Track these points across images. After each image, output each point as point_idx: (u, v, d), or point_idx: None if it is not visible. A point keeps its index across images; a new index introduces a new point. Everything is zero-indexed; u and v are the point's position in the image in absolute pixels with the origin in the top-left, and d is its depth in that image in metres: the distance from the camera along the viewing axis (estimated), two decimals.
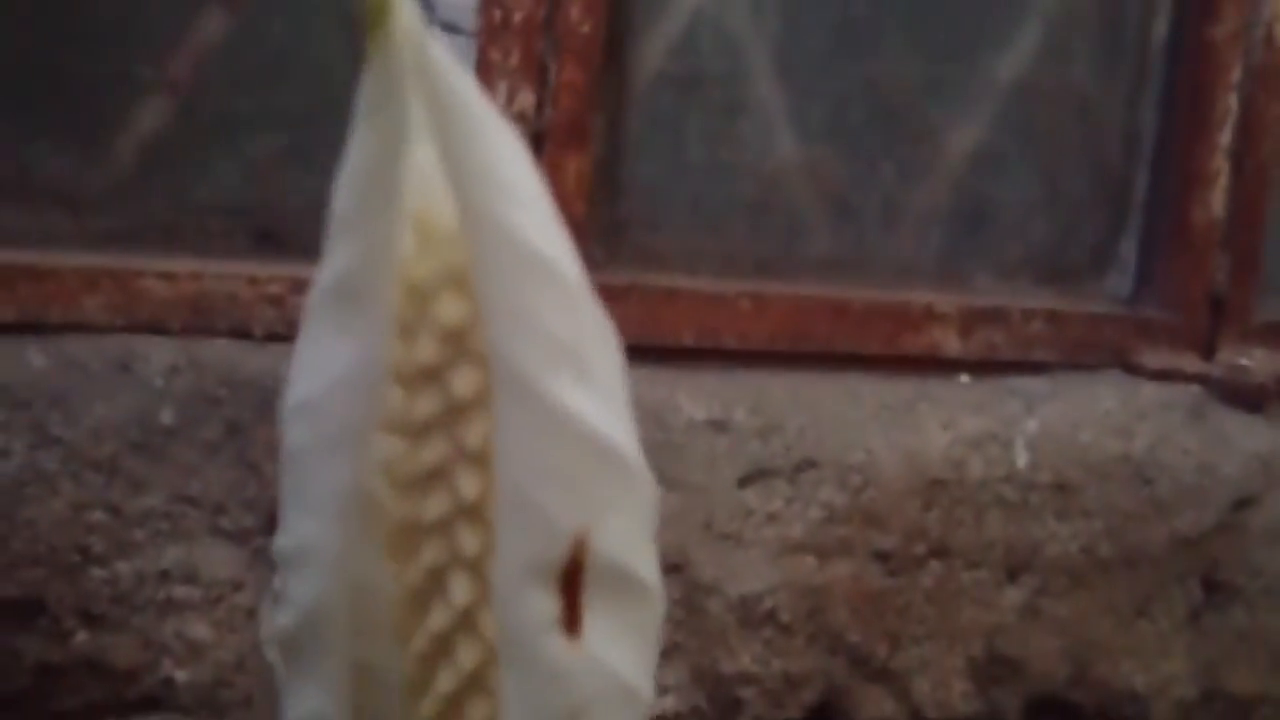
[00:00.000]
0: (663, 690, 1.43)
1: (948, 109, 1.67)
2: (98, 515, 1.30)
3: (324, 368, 0.76)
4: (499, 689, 0.76)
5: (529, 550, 0.74)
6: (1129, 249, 1.75)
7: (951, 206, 1.69)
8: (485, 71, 1.43)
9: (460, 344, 0.77)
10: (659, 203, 1.58)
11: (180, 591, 1.33)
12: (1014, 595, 1.58)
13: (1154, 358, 1.69)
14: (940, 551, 1.54)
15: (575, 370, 0.74)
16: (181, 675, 1.32)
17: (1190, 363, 1.70)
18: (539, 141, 1.46)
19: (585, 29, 1.47)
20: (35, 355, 1.31)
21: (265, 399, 1.32)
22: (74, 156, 1.40)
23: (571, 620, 0.74)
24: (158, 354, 1.34)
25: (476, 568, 0.77)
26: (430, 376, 0.77)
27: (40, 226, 1.39)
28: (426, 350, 0.77)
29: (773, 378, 1.54)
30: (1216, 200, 1.69)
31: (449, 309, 0.77)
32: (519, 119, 1.44)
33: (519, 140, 0.76)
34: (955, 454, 1.54)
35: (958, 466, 1.54)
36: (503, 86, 1.44)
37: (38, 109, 1.39)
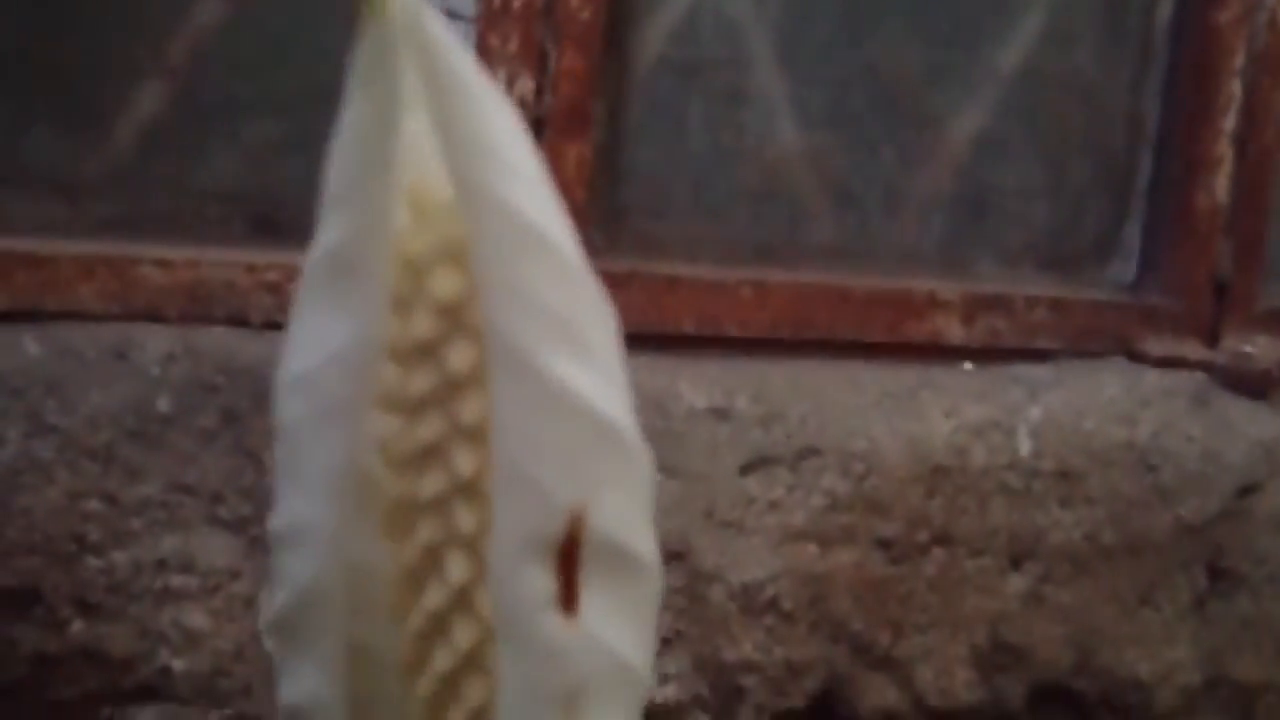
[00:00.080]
0: (664, 679, 1.42)
1: (950, 95, 1.66)
2: (94, 504, 1.30)
3: (318, 342, 0.75)
4: (496, 668, 0.75)
5: (526, 527, 0.73)
6: (1132, 235, 1.75)
7: (954, 193, 1.68)
8: (484, 57, 1.43)
9: (456, 319, 0.76)
10: (660, 190, 1.57)
11: (177, 580, 1.32)
12: (1017, 583, 1.57)
13: (1158, 344, 1.68)
14: (943, 539, 1.53)
15: (572, 345, 0.73)
16: (179, 664, 1.32)
17: (1194, 349, 1.69)
18: (539, 128, 1.45)
19: (585, 15, 1.47)
20: (31, 343, 1.31)
21: (263, 387, 1.31)
22: (70, 143, 1.40)
23: (569, 598, 0.74)
24: (154, 342, 1.33)
25: (473, 546, 0.77)
26: (426, 352, 0.76)
27: (36, 213, 1.39)
28: (422, 325, 0.76)
29: (774, 365, 1.54)
30: (1220, 186, 1.69)
31: (444, 283, 0.76)
32: (518, 105, 1.42)
33: (514, 113, 0.75)
34: (958, 441, 1.53)
35: (961, 454, 1.53)
36: (502, 73, 1.43)
37: (34, 95, 1.39)
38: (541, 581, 0.73)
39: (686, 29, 1.55)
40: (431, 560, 0.77)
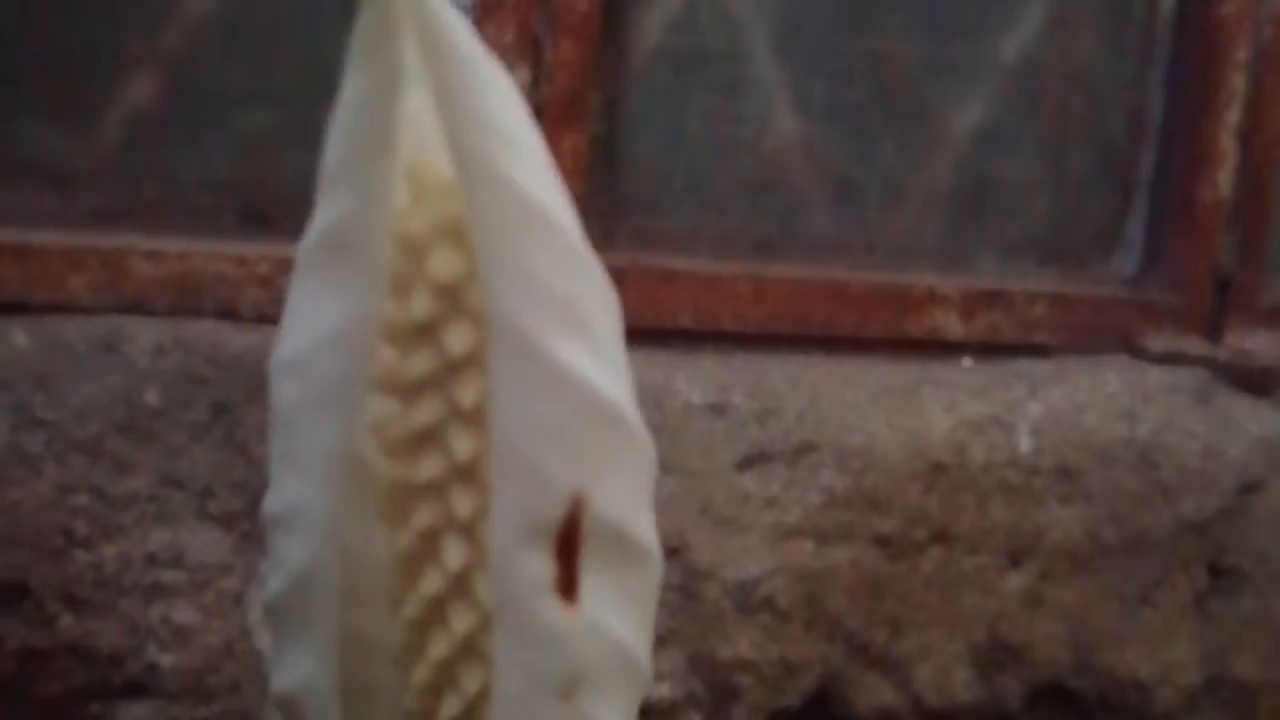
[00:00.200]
0: (659, 677, 1.41)
1: (950, 87, 1.65)
2: (82, 498, 1.29)
3: (313, 323, 0.74)
4: (493, 654, 0.74)
5: (525, 512, 0.72)
6: (1134, 230, 1.74)
7: (954, 186, 1.67)
8: None
9: (454, 300, 0.74)
10: (657, 182, 1.56)
11: (166, 576, 1.31)
12: (1016, 581, 1.56)
13: (1159, 340, 1.67)
14: (941, 536, 1.52)
15: (575, 327, 0.72)
16: (167, 660, 1.31)
17: (1196, 345, 1.69)
18: (535, 118, 1.43)
19: (582, 5, 1.46)
20: (19, 335, 1.30)
21: (253, 380, 1.31)
22: (60, 133, 1.39)
23: (568, 584, 0.72)
24: (144, 334, 1.33)
25: (470, 530, 0.75)
26: (423, 334, 0.75)
27: (25, 205, 1.38)
28: (420, 306, 0.74)
29: (772, 360, 1.53)
30: (1223, 180, 1.68)
31: (443, 263, 0.74)
32: None
33: (517, 91, 0.74)
34: (957, 438, 1.52)
35: (960, 450, 1.52)
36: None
37: (24, 84, 1.38)
38: (541, 567, 0.72)
39: (685, 19, 1.54)
40: (429, 545, 0.76)
